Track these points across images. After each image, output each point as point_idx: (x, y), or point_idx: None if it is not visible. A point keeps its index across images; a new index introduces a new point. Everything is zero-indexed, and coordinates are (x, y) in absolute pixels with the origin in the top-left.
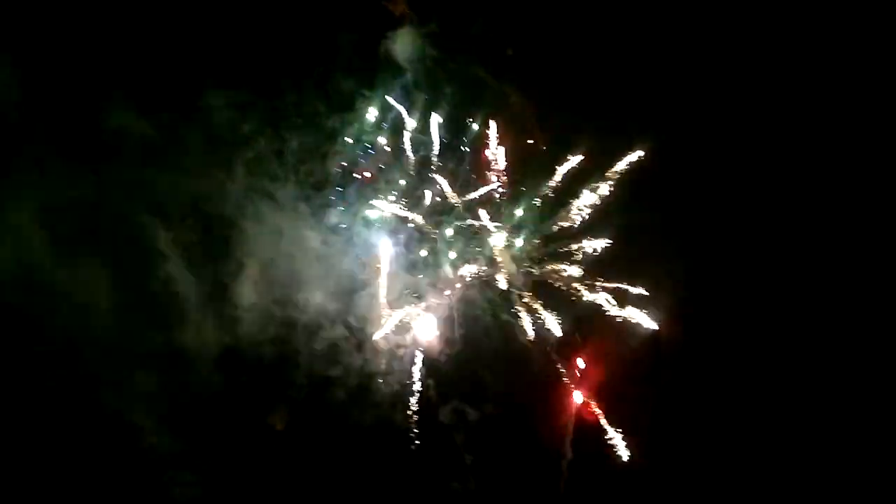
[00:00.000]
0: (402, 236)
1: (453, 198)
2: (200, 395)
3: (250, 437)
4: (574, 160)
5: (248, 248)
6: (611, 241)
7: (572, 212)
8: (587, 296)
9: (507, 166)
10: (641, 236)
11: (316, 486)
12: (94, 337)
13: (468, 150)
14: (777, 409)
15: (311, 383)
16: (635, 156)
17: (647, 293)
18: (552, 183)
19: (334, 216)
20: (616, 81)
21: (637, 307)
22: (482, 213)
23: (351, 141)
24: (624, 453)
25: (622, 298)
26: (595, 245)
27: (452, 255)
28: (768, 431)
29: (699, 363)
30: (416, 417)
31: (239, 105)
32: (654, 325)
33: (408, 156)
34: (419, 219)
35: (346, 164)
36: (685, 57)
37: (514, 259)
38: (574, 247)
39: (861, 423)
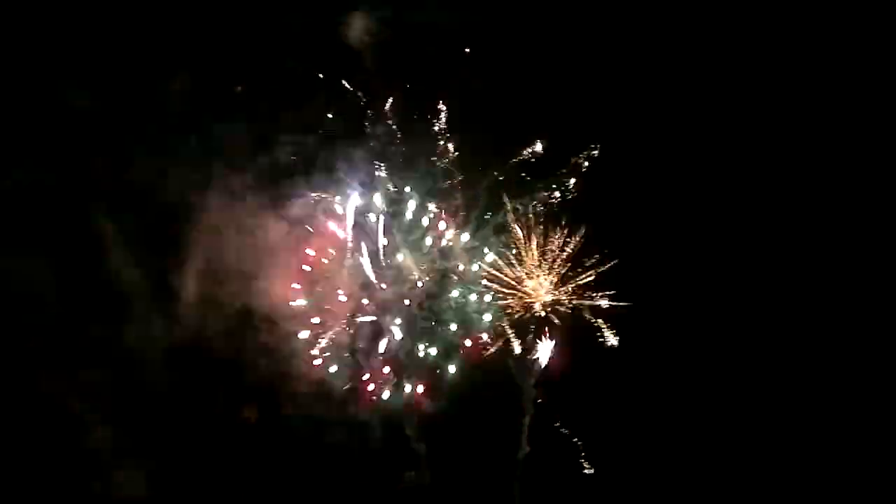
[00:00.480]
0: (361, 226)
1: (409, 188)
2: (158, 391)
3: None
4: (530, 150)
5: (202, 240)
6: (567, 237)
7: (528, 205)
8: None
9: (460, 155)
10: (601, 232)
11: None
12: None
13: (426, 138)
14: (742, 411)
15: (268, 378)
16: (594, 151)
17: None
18: (505, 175)
19: (293, 207)
20: (580, 75)
21: (594, 303)
22: (432, 205)
23: (307, 129)
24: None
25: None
26: (551, 240)
27: (409, 246)
28: (732, 435)
29: (660, 364)
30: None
31: (193, 93)
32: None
33: (367, 145)
34: (378, 208)
35: (302, 154)
36: (649, 58)
37: (466, 251)
38: (530, 241)
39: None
